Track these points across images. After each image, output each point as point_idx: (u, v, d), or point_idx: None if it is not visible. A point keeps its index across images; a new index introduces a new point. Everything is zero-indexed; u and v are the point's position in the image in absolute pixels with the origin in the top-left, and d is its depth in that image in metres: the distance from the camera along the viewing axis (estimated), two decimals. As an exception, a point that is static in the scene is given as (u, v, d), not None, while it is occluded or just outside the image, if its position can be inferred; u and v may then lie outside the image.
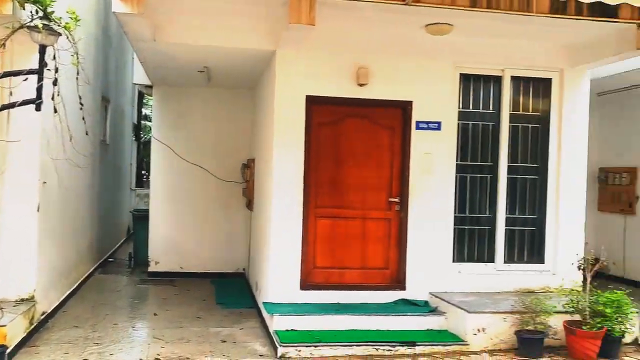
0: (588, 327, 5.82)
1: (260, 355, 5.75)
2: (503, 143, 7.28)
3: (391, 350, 5.84)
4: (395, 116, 7.01)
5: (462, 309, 6.23)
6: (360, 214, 6.93)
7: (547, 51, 7.22)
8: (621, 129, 10.27)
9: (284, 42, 6.39)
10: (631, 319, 6.08)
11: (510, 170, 7.31)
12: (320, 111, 6.82)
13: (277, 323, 6.14)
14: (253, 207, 8.72)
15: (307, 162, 6.74)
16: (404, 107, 6.97)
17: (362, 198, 6.94)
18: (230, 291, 8.69)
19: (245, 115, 9.71)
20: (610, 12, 5.78)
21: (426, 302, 6.81)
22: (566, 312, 6.09)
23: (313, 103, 6.76)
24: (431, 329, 6.38)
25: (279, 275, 6.70)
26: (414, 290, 6.91)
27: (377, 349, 5.83)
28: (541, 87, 7.41)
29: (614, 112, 10.36)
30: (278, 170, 6.71)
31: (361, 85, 6.80)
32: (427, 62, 6.97)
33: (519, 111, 7.36)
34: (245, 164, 9.42)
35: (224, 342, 6.15)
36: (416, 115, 6.97)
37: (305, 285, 6.73)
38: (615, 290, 6.02)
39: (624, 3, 5.22)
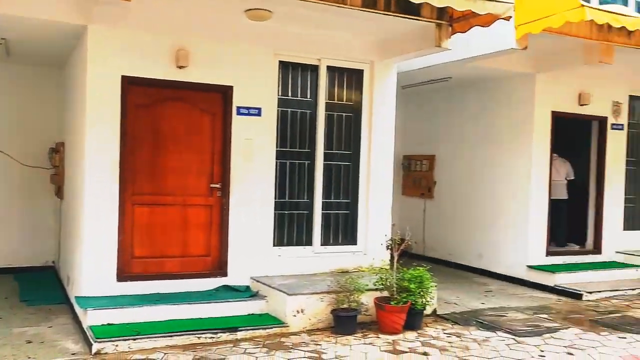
0: (395, 302, 6.29)
1: (73, 354, 5.37)
2: (320, 131, 7.56)
3: (213, 337, 5.80)
4: (216, 101, 6.93)
5: (282, 291, 6.39)
6: (180, 201, 6.77)
7: (360, 43, 7.61)
8: (422, 119, 11.31)
9: (96, 18, 5.99)
10: (431, 293, 6.72)
11: (327, 157, 7.63)
12: (138, 93, 6.50)
13: (92, 318, 5.77)
14: (63, 194, 8.07)
15: (123, 146, 6.40)
16: (225, 92, 6.92)
17: (183, 184, 6.78)
18: (38, 287, 7.96)
19: (54, 95, 8.91)
20: (414, 10, 6.19)
21: (247, 287, 6.89)
22: (376, 289, 6.54)
23: (130, 84, 6.41)
24: (253, 314, 6.46)
25: (92, 267, 6.30)
26: (236, 276, 6.94)
27: (198, 337, 5.75)
28: (354, 77, 7.80)
29: (416, 104, 11.36)
30: (91, 154, 6.28)
31: (181, 67, 6.60)
32: (248, 47, 6.98)
33: (334, 100, 7.68)
34: (54, 148, 8.65)
35: (30, 342, 5.63)
36: (237, 101, 6.95)
37: (123, 276, 6.42)
38: (418, 267, 6.56)
39: (425, 2, 5.66)
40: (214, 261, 6.96)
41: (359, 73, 7.81)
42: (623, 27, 6.91)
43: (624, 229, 10.15)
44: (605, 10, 6.70)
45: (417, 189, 11.27)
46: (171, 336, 5.66)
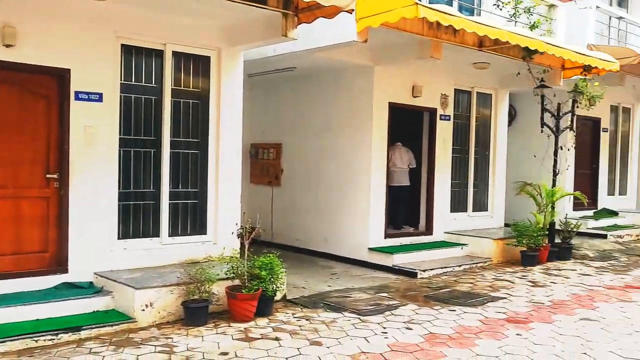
0: (247, 290, 6.32)
1: None
2: (166, 118, 7.31)
3: (54, 339, 5.41)
4: (52, 84, 6.41)
5: (129, 285, 6.14)
6: (11, 193, 6.19)
7: (207, 30, 7.47)
8: (268, 108, 11.41)
9: None
10: (281, 279, 6.86)
11: (174, 145, 7.41)
12: (-43, 73, 5.83)
13: None
14: None
15: (-61, 134, 5.70)
16: (62, 75, 6.42)
17: (14, 175, 6.21)
18: None
19: None
20: (262, -1, 6.25)
21: (91, 283, 6.49)
22: (228, 279, 6.52)
23: (-55, 63, 5.74)
24: (97, 311, 6.11)
25: None
26: (78, 272, 6.51)
27: (36, 341, 5.33)
28: (201, 64, 7.64)
29: (263, 93, 11.44)
30: None
31: (8, 46, 6.00)
32: (87, 28, 6.52)
33: (180, 87, 7.47)
34: None
35: None
36: (76, 85, 6.48)
37: (-59, 280, 5.76)
38: (268, 255, 6.64)
39: (271, -9, 5.73)
40: (52, 257, 6.46)
41: (206, 60, 7.66)
42: (450, 26, 7.50)
43: (451, 211, 11.13)
44: (435, 9, 7.21)
45: (264, 177, 11.38)
46: (3, 342, 5.18)
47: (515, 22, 10.23)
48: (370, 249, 9.56)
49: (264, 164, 11.39)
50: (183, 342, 5.58)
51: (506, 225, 11.64)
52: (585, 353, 5.50)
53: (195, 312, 6.14)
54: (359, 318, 6.51)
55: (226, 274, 6.52)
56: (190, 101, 7.58)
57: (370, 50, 9.12)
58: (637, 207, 15.81)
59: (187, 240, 7.50)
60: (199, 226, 7.67)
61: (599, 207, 14.53)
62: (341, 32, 7.81)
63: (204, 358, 5.18)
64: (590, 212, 14.06)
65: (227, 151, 7.77)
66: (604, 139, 14.79)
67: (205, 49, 7.60)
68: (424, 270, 8.97)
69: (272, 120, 11.33)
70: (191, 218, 7.62)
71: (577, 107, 10.86)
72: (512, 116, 13.38)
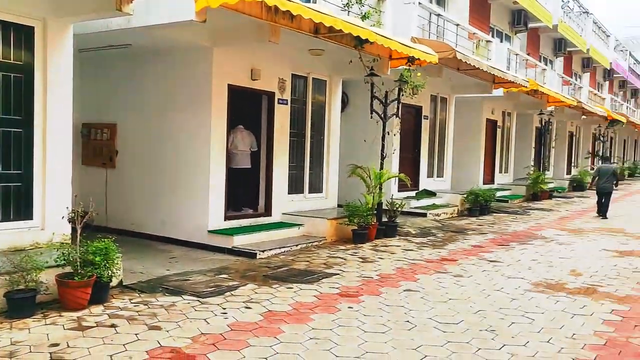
0: (79, 277, 6.04)
1: None
2: (-17, 93, 6.67)
3: None
4: None
5: (-61, 278, 5.57)
6: None
7: (31, -3, 6.93)
8: (102, 86, 10.82)
9: None
10: (117, 264, 6.64)
11: (-9, 123, 6.79)
12: None
13: None
14: None
15: None
16: None
17: None
18: None
19: None
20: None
21: None
22: (58, 266, 6.17)
23: None
24: None
25: None
26: None
27: None
28: (24, 35, 7.03)
29: (95, 70, 10.80)
30: None
31: None
32: None
33: (-1, 58, 6.86)
34: None
35: None
36: None
37: None
38: (102, 240, 6.39)
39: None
40: None
41: (30, 30, 7.06)
42: (288, 11, 7.67)
43: (289, 193, 11.45)
44: (274, -6, 7.33)
45: (98, 159, 10.79)
46: None
47: (348, 11, 10.73)
48: (210, 231, 9.54)
49: (97, 145, 10.79)
50: (6, 336, 5.21)
51: (339, 205, 12.24)
52: (408, 321, 6.06)
53: (20, 303, 5.75)
54: (198, 300, 6.52)
55: (56, 261, 6.16)
56: (12, 75, 6.95)
57: (210, 31, 9.03)
58: (451, 188, 17.52)
59: (9, 226, 6.92)
60: (24, 211, 7.10)
61: (420, 188, 15.89)
62: (179, 11, 7.64)
63: (31, 351, 4.89)
64: (413, 193, 15.34)
65: (55, 130, 7.27)
66: (425, 125, 16.15)
67: (28, 18, 7.01)
68: (263, 251, 9.18)
69: (106, 99, 10.75)
70: (14, 202, 7.02)
71: (402, 95, 11.68)
72: (344, 102, 14.04)
